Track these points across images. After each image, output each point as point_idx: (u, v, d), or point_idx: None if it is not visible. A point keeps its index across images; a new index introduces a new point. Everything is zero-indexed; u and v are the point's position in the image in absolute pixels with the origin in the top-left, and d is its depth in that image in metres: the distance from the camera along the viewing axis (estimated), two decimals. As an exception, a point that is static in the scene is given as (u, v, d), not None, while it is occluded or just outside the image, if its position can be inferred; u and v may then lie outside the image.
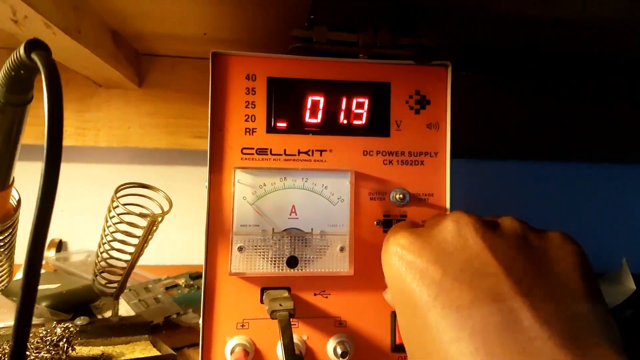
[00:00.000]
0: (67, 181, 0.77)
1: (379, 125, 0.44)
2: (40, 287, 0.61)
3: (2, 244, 0.42)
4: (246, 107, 0.43)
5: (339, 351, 0.41)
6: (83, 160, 0.76)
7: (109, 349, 0.49)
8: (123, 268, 0.51)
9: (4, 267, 0.45)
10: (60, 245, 0.78)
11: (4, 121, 0.30)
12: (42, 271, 0.71)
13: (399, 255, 0.33)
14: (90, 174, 0.77)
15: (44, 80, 0.22)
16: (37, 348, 0.39)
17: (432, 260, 0.30)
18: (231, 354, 0.40)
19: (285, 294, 0.41)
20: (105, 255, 0.50)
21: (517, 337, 0.25)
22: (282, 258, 0.41)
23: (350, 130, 0.44)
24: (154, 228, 0.47)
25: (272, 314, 0.37)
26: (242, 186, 0.42)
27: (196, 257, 0.80)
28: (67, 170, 0.76)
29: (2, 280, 0.46)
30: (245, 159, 0.42)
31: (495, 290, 0.27)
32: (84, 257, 0.75)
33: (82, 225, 0.78)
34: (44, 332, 0.43)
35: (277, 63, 0.43)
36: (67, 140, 0.69)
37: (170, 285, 0.69)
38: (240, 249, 0.41)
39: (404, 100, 0.45)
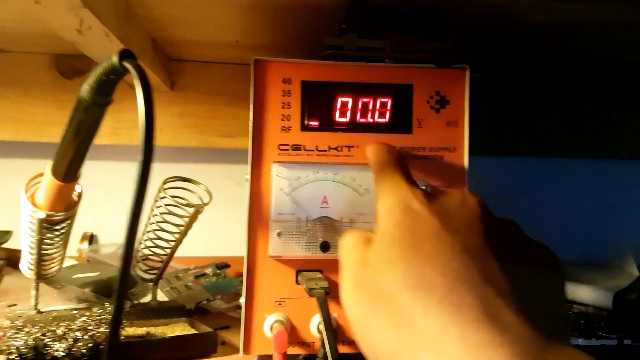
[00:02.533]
0: (100, 178, 0.81)
1: (402, 123, 0.49)
2: (82, 275, 0.66)
3: (62, 231, 0.46)
4: (282, 107, 0.47)
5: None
6: (117, 158, 0.81)
7: (151, 330, 0.54)
8: (163, 255, 0.55)
9: (59, 253, 0.50)
10: (91, 238, 0.83)
11: (87, 120, 0.34)
12: (78, 262, 0.75)
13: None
14: (123, 172, 0.81)
15: (138, 84, 0.26)
16: (97, 324, 0.43)
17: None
18: (270, 330, 0.44)
19: (319, 275, 0.45)
20: (148, 243, 0.54)
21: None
22: (316, 243, 0.46)
23: (375, 128, 0.48)
24: (196, 218, 0.51)
25: (310, 291, 0.42)
26: (279, 179, 0.46)
27: (220, 249, 0.85)
28: (101, 168, 0.80)
29: (54, 266, 0.50)
30: (282, 154, 0.47)
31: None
32: (114, 249, 0.80)
33: (112, 220, 0.82)
34: (100, 312, 0.47)
35: (310, 68, 0.48)
36: (103, 139, 0.74)
37: (199, 274, 0.73)
38: (279, 234, 0.45)
39: (425, 100, 0.49)
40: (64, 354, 0.40)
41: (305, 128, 0.47)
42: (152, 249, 0.55)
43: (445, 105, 0.49)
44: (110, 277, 0.63)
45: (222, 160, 0.80)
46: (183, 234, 0.52)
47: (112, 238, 0.82)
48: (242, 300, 0.45)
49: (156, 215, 0.52)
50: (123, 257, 0.26)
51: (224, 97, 0.75)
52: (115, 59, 0.29)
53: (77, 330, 0.41)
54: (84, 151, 0.38)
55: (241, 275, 0.66)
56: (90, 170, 0.80)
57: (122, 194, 0.82)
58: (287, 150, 0.47)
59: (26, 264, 0.48)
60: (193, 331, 0.53)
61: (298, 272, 0.46)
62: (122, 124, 0.74)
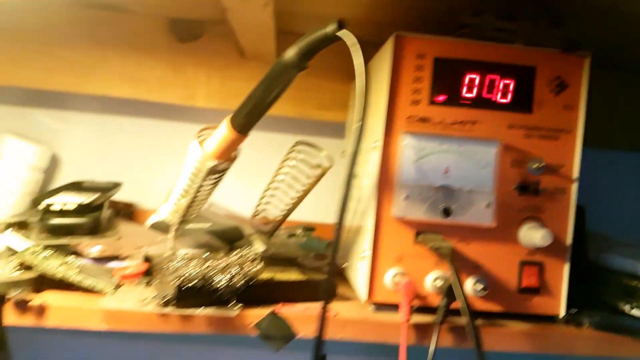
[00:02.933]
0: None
1: (523, 102, 0.52)
2: (198, 225, 0.71)
3: (217, 182, 0.52)
4: (414, 82, 0.51)
5: (478, 287, 0.49)
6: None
7: (270, 274, 0.59)
8: (283, 212, 0.61)
9: (204, 202, 0.55)
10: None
11: (283, 81, 0.38)
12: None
13: None
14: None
15: (356, 52, 0.30)
16: (242, 263, 0.49)
17: None
18: (391, 280, 0.50)
19: (440, 237, 0.50)
20: (271, 199, 0.60)
21: None
22: (437, 208, 0.50)
23: (498, 106, 0.52)
24: (320, 179, 0.56)
25: (437, 250, 0.46)
26: (407, 148, 0.50)
27: (306, 215, 0.89)
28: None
29: (195, 213, 0.56)
30: (411, 125, 0.51)
31: None
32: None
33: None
34: (247, 253, 0.52)
35: (443, 45, 0.51)
36: (212, 103, 0.79)
37: (290, 234, 0.79)
38: (406, 197, 0.50)
39: (546, 83, 0.52)
40: (224, 285, 0.45)
41: (433, 102, 0.51)
42: (273, 205, 0.60)
43: (565, 89, 0.52)
44: (223, 228, 0.69)
45: (318, 132, 0.84)
46: (306, 193, 0.57)
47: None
48: (368, 254, 0.50)
49: (282, 174, 0.57)
50: (338, 217, 0.31)
51: (323, 72, 0.78)
52: (331, 28, 0.33)
53: (233, 267, 0.46)
54: (266, 110, 0.42)
55: (325, 239, 0.71)
56: (177, 134, 0.86)
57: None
58: (416, 121, 0.51)
59: (171, 208, 0.54)
60: (309, 277, 0.58)
61: (417, 233, 0.51)
62: (231, 90, 0.79)
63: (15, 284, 0.45)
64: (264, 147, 0.82)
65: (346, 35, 0.32)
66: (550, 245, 0.50)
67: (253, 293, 0.48)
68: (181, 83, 0.78)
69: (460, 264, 0.51)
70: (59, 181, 0.83)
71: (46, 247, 0.55)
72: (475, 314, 0.51)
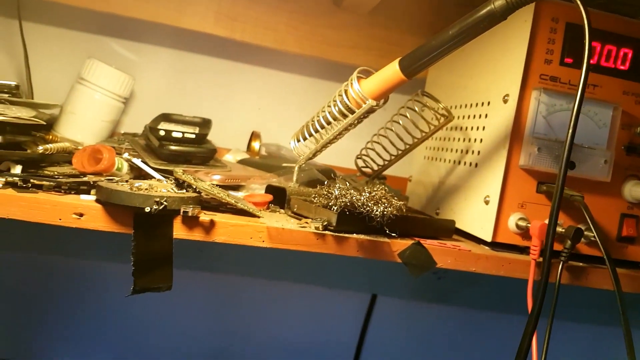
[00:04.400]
0: (264, 84, 0.88)
1: (638, 72, 0.58)
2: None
3: (358, 123, 0.54)
4: (548, 42, 0.56)
5: (589, 234, 0.56)
6: (300, 71, 0.87)
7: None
8: (392, 155, 0.64)
9: (334, 142, 0.58)
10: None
11: (480, 30, 0.41)
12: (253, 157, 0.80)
13: None
14: (283, 81, 0.88)
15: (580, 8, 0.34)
16: (387, 197, 0.52)
17: None
18: (516, 226, 0.55)
19: (567, 189, 0.55)
20: (383, 141, 0.63)
21: None
22: (561, 161, 0.55)
23: (616, 73, 0.57)
24: (441, 128, 0.60)
25: (571, 197, 0.52)
26: (538, 103, 0.55)
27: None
28: (265, 75, 0.87)
29: (322, 151, 0.59)
30: (542, 82, 0.56)
31: None
32: (275, 148, 0.88)
33: (272, 122, 0.90)
34: (387, 189, 0.56)
35: (575, 12, 0.55)
36: (301, 49, 0.80)
37: (366, 181, 0.83)
38: (539, 149, 0.54)
39: (659, 56, 0.58)
40: (379, 214, 0.49)
41: (562, 63, 0.56)
42: (382, 150, 0.64)
43: (676, 63, 0.58)
44: (323, 167, 0.72)
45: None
46: (425, 138, 0.61)
47: (272, 139, 0.89)
48: (496, 199, 0.55)
49: (397, 121, 0.60)
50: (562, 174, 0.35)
51: (411, 27, 0.81)
52: None
53: (380, 199, 0.50)
54: (440, 57, 0.45)
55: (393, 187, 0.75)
56: (254, 77, 0.87)
57: (282, 99, 0.89)
58: (547, 80, 0.56)
59: (306, 145, 0.57)
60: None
61: (539, 183, 0.56)
62: (321, 37, 0.80)
63: (185, 201, 0.47)
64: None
65: None
66: (645, 201, 0.57)
67: (394, 224, 0.52)
68: (273, 27, 0.79)
69: (574, 213, 0.57)
70: (131, 114, 0.83)
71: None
72: (580, 257, 0.57)
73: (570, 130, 0.42)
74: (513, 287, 0.91)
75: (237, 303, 0.89)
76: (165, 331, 0.88)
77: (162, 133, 0.61)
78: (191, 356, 0.88)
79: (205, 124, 0.69)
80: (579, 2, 0.36)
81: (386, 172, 0.68)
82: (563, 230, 0.54)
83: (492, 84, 0.60)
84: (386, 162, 0.65)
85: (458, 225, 0.61)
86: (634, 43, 0.57)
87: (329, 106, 0.55)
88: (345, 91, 0.53)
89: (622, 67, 0.58)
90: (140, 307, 0.85)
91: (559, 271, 0.52)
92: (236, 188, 0.63)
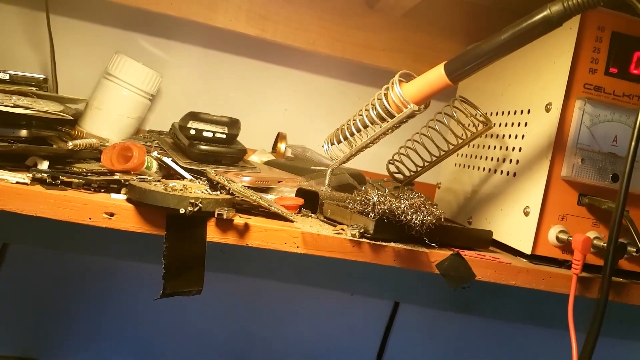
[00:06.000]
0: (292, 85, 0.86)
1: (685, 85, 0.56)
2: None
3: (396, 128, 0.53)
4: (593, 51, 0.54)
5: (633, 249, 0.53)
6: (328, 73, 0.86)
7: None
8: (427, 162, 0.63)
9: (370, 146, 0.56)
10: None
11: (534, 35, 0.40)
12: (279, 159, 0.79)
13: None
14: (312, 82, 0.87)
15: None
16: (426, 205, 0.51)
17: None
18: (556, 239, 0.53)
19: (609, 201, 0.53)
20: (417, 147, 0.61)
21: None
22: (605, 173, 0.53)
23: (663, 85, 0.55)
24: (480, 136, 0.59)
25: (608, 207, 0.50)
26: (582, 113, 0.53)
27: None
28: (293, 76, 0.86)
29: (350, 157, 0.57)
30: (586, 92, 0.54)
31: None
32: (301, 150, 0.86)
33: (298, 124, 0.88)
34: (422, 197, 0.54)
35: (621, 21, 0.54)
36: (332, 50, 0.78)
37: (395, 187, 0.81)
38: (582, 161, 0.53)
39: None
40: (419, 223, 0.47)
41: (607, 73, 0.54)
42: (417, 155, 0.62)
43: None
44: (354, 171, 0.71)
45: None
46: (464, 144, 0.59)
47: (297, 140, 0.88)
48: (537, 210, 0.53)
49: (433, 127, 0.59)
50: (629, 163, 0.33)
51: (445, 31, 0.80)
52: None
53: (419, 207, 0.48)
54: (488, 64, 0.43)
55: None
56: (282, 78, 0.86)
57: (308, 102, 0.88)
58: (591, 89, 0.54)
59: (340, 149, 0.55)
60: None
61: (581, 195, 0.54)
62: (350, 38, 0.78)
63: (220, 203, 0.46)
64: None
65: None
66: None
67: (432, 234, 0.50)
68: (305, 27, 0.78)
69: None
70: (157, 112, 0.81)
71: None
72: (621, 272, 0.55)
73: (633, 144, 0.40)
74: (538, 299, 0.89)
75: (259, 306, 0.87)
76: (185, 333, 0.87)
77: (192, 132, 0.60)
78: (211, 359, 0.86)
79: (233, 123, 0.67)
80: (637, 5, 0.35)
81: (419, 176, 0.66)
82: (604, 244, 0.52)
83: (534, 92, 0.58)
84: (419, 169, 0.64)
85: (494, 235, 0.59)
86: (683, 54, 0.55)
87: (367, 110, 0.54)
88: (385, 94, 0.52)
89: (669, 79, 0.56)
90: (161, 309, 0.84)
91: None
92: (265, 190, 0.62)
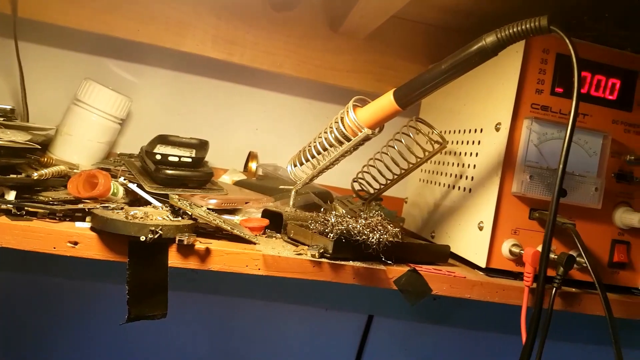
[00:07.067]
0: (261, 105, 0.89)
1: (626, 101, 0.59)
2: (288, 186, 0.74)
3: (354, 150, 0.55)
4: (539, 73, 0.57)
5: (581, 260, 0.56)
6: (297, 93, 0.88)
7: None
8: (388, 180, 0.65)
9: (331, 167, 0.58)
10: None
11: (472, 64, 0.42)
12: (249, 177, 0.81)
13: None
14: (281, 102, 0.89)
15: (568, 44, 0.35)
16: (383, 224, 0.53)
17: None
18: (509, 252, 0.55)
19: (559, 216, 0.56)
20: (378, 165, 0.64)
21: None
22: (554, 189, 0.56)
23: (605, 102, 0.58)
24: (436, 154, 0.61)
25: (563, 225, 0.53)
26: (530, 132, 0.56)
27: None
28: (261, 96, 0.88)
29: (319, 176, 0.59)
30: (533, 112, 0.57)
31: None
32: (272, 169, 0.88)
33: (269, 142, 0.90)
34: (380, 214, 0.56)
35: (565, 43, 0.57)
36: (298, 72, 0.81)
37: (363, 203, 0.83)
38: (531, 177, 0.55)
39: (645, 86, 0.59)
40: (376, 241, 0.49)
41: (553, 93, 0.57)
42: (378, 174, 0.64)
43: (659, 93, 0.60)
44: (320, 190, 0.73)
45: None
46: (418, 165, 0.62)
47: (268, 159, 0.90)
48: (489, 226, 0.56)
49: (392, 146, 0.61)
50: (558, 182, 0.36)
51: (403, 52, 0.83)
52: (544, 21, 0.38)
53: (379, 225, 0.50)
54: (434, 89, 0.46)
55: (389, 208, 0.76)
56: (252, 98, 0.88)
57: (278, 121, 0.90)
58: (538, 109, 0.57)
59: (303, 170, 0.57)
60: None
61: (531, 209, 0.57)
62: (319, 62, 0.81)
63: (180, 229, 0.47)
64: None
65: (560, 30, 0.37)
66: (635, 227, 0.58)
67: (390, 251, 0.52)
68: (271, 50, 0.80)
69: (567, 240, 0.57)
70: (128, 135, 0.83)
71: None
72: (573, 282, 0.58)
73: (562, 159, 0.42)
74: (508, 308, 0.91)
75: (233, 324, 0.88)
76: (160, 353, 0.87)
77: (158, 157, 0.61)
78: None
79: (202, 145, 0.69)
80: (562, 34, 0.38)
81: (382, 193, 0.68)
82: (556, 257, 0.55)
83: (485, 112, 0.61)
84: (382, 186, 0.66)
85: (453, 249, 0.62)
86: (622, 73, 0.59)
87: (326, 132, 0.56)
88: (342, 119, 0.54)
89: (610, 97, 0.59)
90: (135, 330, 0.84)
91: (552, 298, 0.53)
92: (233, 211, 0.63)
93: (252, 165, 0.86)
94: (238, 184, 0.77)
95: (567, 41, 0.38)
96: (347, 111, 0.52)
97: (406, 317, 0.94)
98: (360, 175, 0.68)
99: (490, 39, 0.42)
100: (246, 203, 0.65)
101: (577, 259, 0.56)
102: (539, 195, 0.56)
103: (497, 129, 0.58)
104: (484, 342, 0.97)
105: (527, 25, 0.40)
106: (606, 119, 0.59)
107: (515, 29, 0.41)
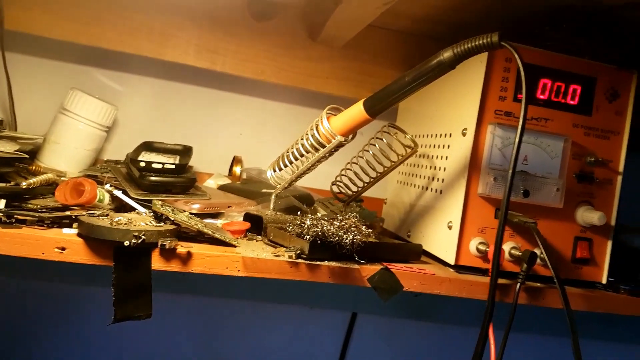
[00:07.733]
0: (245, 111, 0.91)
1: (585, 106, 0.63)
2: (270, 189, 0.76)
3: (328, 157, 0.58)
4: (502, 80, 0.60)
5: (544, 257, 0.60)
6: (279, 99, 0.91)
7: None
8: (365, 184, 0.68)
9: (308, 172, 0.61)
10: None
11: (432, 78, 0.46)
12: (234, 181, 0.84)
13: None
14: (263, 109, 0.92)
15: (518, 59, 0.38)
16: (357, 225, 0.56)
17: None
18: (476, 250, 0.59)
19: (521, 214, 0.59)
20: (355, 168, 0.67)
21: None
22: (517, 189, 0.60)
23: (566, 107, 0.62)
24: (407, 158, 0.64)
25: (524, 224, 0.56)
26: (493, 137, 0.59)
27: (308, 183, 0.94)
28: (246, 102, 0.91)
29: (297, 180, 0.62)
30: (497, 118, 0.60)
31: None
32: (256, 173, 0.91)
33: (252, 147, 0.93)
34: (356, 216, 0.59)
35: (527, 52, 0.60)
36: (279, 79, 0.84)
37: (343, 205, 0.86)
38: (495, 179, 0.59)
39: (603, 92, 0.63)
40: (349, 242, 0.53)
41: (516, 99, 0.61)
42: (355, 177, 0.67)
43: (617, 98, 0.63)
44: (302, 193, 0.76)
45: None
46: (392, 168, 0.65)
47: (253, 163, 0.93)
48: (456, 225, 0.59)
49: (367, 150, 0.64)
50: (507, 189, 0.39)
51: (380, 59, 0.86)
52: (496, 37, 0.41)
53: (353, 227, 0.54)
54: (400, 100, 0.49)
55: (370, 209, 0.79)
56: (235, 104, 0.91)
57: (262, 125, 0.93)
58: (501, 115, 0.60)
59: (282, 175, 0.60)
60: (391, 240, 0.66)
61: (497, 209, 0.60)
62: (298, 69, 0.84)
63: (162, 234, 0.50)
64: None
65: (510, 46, 0.40)
66: (595, 225, 0.61)
67: (364, 251, 0.56)
68: (252, 59, 0.83)
69: (530, 237, 0.61)
70: (115, 141, 0.85)
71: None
72: (538, 278, 0.61)
73: (513, 159, 0.46)
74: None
75: (219, 324, 0.91)
76: (147, 355, 0.90)
77: (142, 164, 0.64)
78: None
79: (185, 152, 0.71)
80: (512, 50, 0.41)
81: (364, 194, 0.71)
82: (520, 253, 0.58)
83: (453, 118, 0.65)
84: (359, 189, 0.69)
85: (426, 248, 0.65)
86: (582, 80, 0.62)
87: (302, 139, 0.59)
88: (317, 126, 0.57)
89: (572, 102, 0.62)
90: (122, 331, 0.87)
91: (517, 292, 0.56)
92: (216, 215, 0.66)
93: (237, 170, 0.89)
94: (222, 188, 0.80)
95: (516, 56, 0.41)
96: (322, 120, 0.55)
97: (389, 313, 0.97)
98: (338, 179, 0.71)
99: (447, 54, 0.46)
100: (228, 207, 0.68)
101: (541, 255, 0.59)
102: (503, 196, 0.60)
103: (464, 134, 0.61)
104: (464, 337, 1.01)
105: (481, 41, 0.44)
106: (567, 123, 0.62)
107: (470, 45, 0.44)
